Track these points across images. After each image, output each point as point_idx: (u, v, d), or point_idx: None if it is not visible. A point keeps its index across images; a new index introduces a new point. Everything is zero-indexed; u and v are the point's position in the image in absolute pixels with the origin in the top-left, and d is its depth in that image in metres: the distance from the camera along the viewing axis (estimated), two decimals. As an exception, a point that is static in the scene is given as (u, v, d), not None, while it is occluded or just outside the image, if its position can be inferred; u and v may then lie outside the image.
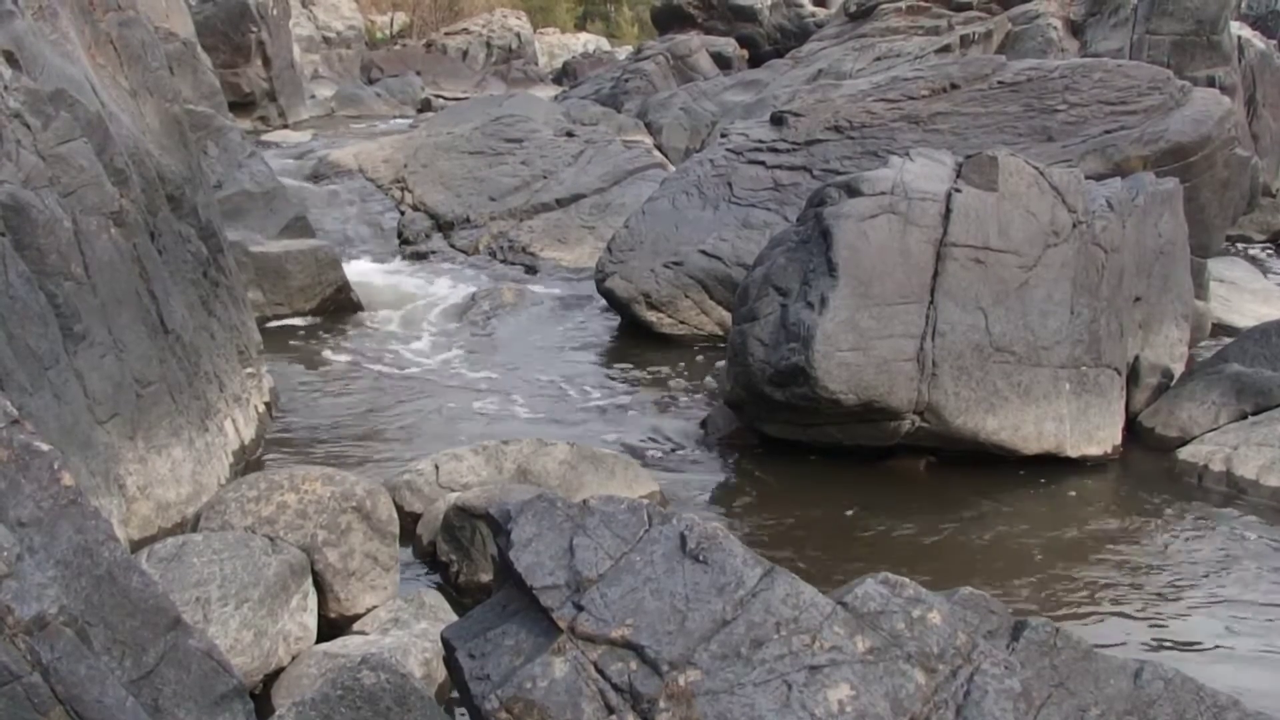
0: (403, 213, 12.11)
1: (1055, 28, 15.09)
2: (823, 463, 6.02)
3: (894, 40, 16.56)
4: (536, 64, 31.28)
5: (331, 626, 4.04)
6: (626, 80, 19.88)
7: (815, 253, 5.95)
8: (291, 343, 8.30)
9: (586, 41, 36.86)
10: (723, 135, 10.47)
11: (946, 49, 15.08)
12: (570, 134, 13.67)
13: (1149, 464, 6.21)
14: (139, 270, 4.86)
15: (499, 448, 5.46)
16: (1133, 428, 6.53)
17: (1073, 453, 6.05)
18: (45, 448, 2.69)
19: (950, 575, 4.80)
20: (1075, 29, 15.14)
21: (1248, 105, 13.41)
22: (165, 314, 5.01)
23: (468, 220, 11.82)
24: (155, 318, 4.92)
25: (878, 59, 15.76)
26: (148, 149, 5.49)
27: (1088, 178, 6.81)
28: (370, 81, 26.37)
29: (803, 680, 2.49)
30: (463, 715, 3.33)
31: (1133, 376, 6.64)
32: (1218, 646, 4.32)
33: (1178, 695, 2.70)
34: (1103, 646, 3.01)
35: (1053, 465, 6.02)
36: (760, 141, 9.62)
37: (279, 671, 3.75)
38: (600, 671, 2.47)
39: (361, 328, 8.87)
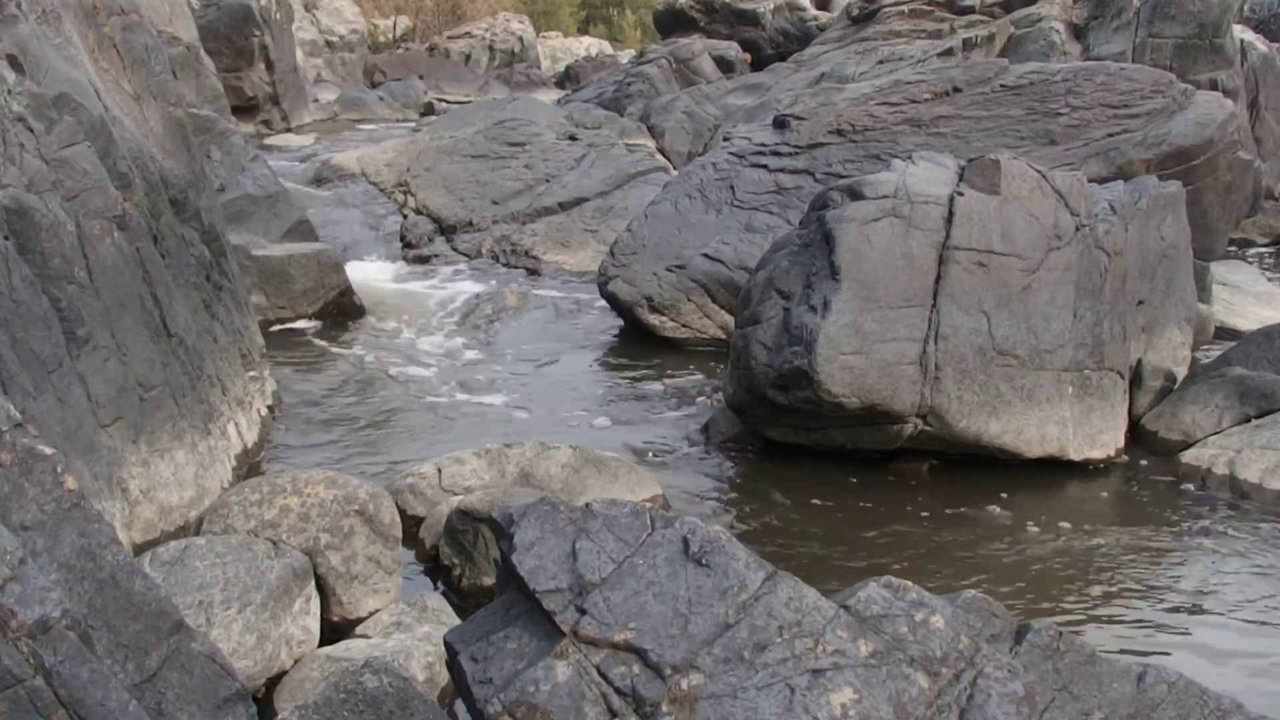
0: (405, 216, 12.12)
1: (1058, 31, 15.10)
2: (825, 466, 6.01)
3: (896, 44, 16.57)
4: (539, 68, 31.34)
5: (334, 630, 4.04)
6: (629, 84, 19.91)
7: (818, 256, 5.95)
8: (294, 346, 8.31)
9: (589, 45, 36.92)
10: (725, 139, 10.48)
11: (949, 52, 15.10)
12: (573, 138, 13.69)
13: (1152, 467, 6.21)
14: (142, 274, 4.87)
15: (502, 451, 5.46)
16: (1136, 431, 6.52)
17: (1075, 456, 6.04)
18: (48, 451, 2.69)
19: (953, 579, 4.79)
20: (1077, 32, 15.15)
21: (1250, 108, 13.41)
22: (168, 318, 5.02)
23: (470, 224, 11.83)
24: (158, 321, 4.93)
25: (880, 62, 15.78)
26: (151, 153, 5.50)
27: (1090, 181, 6.81)
28: (373, 85, 26.45)
29: (805, 684, 2.48)
30: (465, 719, 3.33)
31: (1136, 380, 6.63)
32: (1221, 650, 4.31)
33: (1181, 699, 2.69)
34: (1106, 650, 3.00)
35: (1055, 469, 6.02)
36: (763, 145, 9.62)
37: (282, 675, 3.75)
38: (603, 675, 2.47)
39: (364, 331, 8.88)
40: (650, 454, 6.31)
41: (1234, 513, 5.61)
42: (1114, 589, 4.81)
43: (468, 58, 30.25)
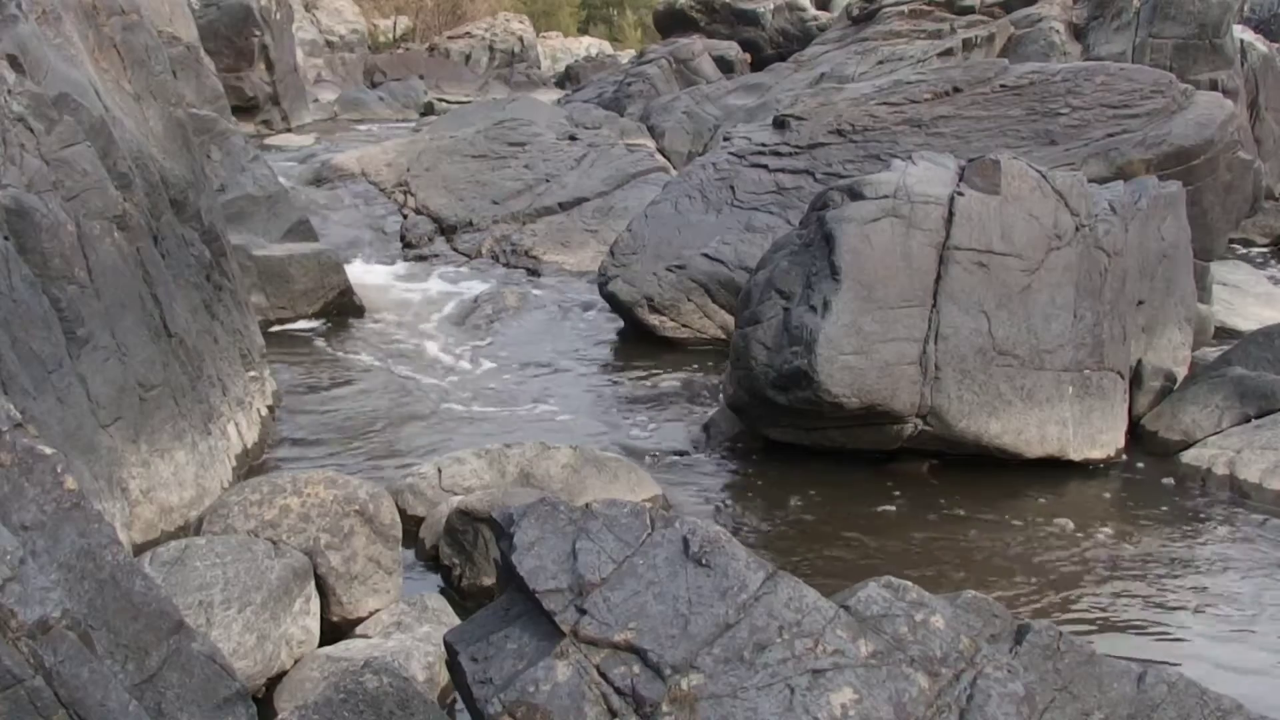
0: (405, 216, 12.12)
1: (1058, 31, 15.10)
2: (825, 466, 6.01)
3: (896, 44, 16.56)
4: (539, 68, 31.31)
5: (334, 630, 4.05)
6: (629, 84, 19.89)
7: (818, 256, 5.95)
8: (294, 346, 8.31)
9: (589, 45, 36.88)
10: (725, 139, 10.48)
11: (949, 52, 15.09)
12: (573, 138, 13.68)
13: (1152, 468, 6.20)
14: (142, 274, 4.87)
15: (502, 451, 5.46)
16: (1136, 431, 6.52)
17: (1075, 456, 6.04)
18: (48, 451, 2.69)
19: (953, 579, 4.80)
20: (1077, 32, 15.15)
21: (1250, 109, 13.40)
22: (168, 318, 5.02)
23: (470, 224, 11.83)
24: (158, 321, 4.93)
25: (880, 62, 15.77)
26: (151, 153, 5.50)
27: (1090, 181, 6.81)
28: (373, 85, 26.43)
29: (806, 684, 2.48)
30: (465, 719, 3.33)
31: (1136, 380, 6.63)
32: (1221, 650, 4.31)
33: (1181, 700, 2.69)
34: (1105, 649, 3.00)
35: (1055, 469, 6.02)
36: (763, 145, 9.62)
37: (282, 675, 3.75)
38: (603, 675, 2.47)
39: (364, 331, 8.88)
40: (650, 454, 6.31)
41: (1234, 513, 5.61)
42: (1113, 589, 4.81)
43: (468, 58, 30.23)
